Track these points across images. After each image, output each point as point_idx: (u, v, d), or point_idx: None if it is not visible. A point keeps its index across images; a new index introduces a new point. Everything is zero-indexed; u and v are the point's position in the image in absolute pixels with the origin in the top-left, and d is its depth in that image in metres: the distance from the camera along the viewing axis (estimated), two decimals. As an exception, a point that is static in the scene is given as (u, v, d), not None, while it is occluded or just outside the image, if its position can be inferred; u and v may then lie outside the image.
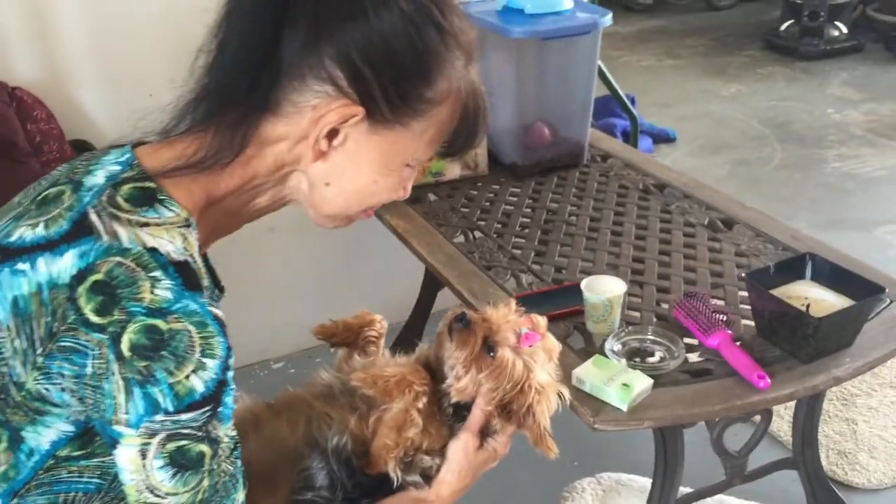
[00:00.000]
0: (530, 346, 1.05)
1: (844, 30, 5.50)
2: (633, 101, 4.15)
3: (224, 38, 0.89)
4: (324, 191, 0.95)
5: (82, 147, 2.01)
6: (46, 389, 0.81)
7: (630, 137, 3.48)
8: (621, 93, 3.27)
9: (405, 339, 2.57)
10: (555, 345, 1.11)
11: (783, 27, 5.63)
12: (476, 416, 1.05)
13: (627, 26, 6.19)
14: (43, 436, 0.84)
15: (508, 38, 2.06)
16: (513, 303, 1.11)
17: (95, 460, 0.87)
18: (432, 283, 2.47)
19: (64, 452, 0.86)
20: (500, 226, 1.98)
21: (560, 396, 1.06)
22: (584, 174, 2.24)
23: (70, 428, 0.84)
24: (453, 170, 2.21)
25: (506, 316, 1.07)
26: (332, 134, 0.90)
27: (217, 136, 0.89)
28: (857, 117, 4.49)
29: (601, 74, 3.18)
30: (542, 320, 1.11)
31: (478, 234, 1.95)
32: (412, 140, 0.94)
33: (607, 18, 2.10)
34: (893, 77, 5.06)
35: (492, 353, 1.04)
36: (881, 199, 3.59)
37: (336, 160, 0.92)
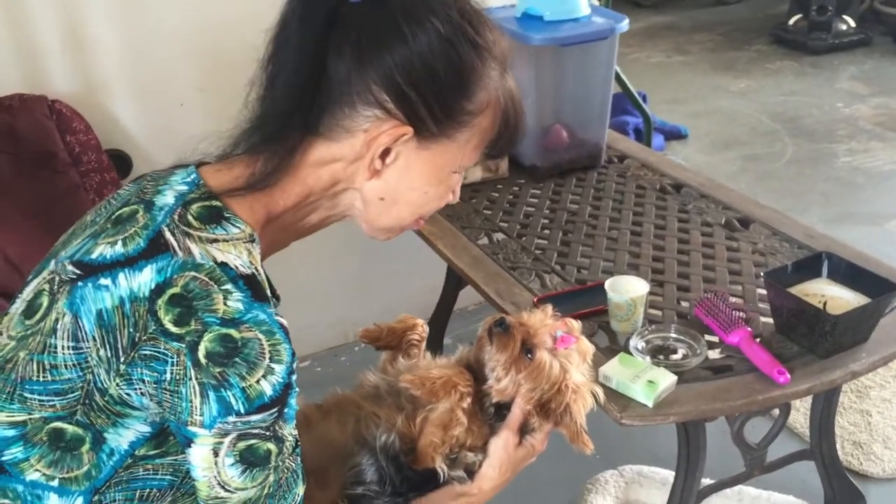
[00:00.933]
0: (566, 349, 1.12)
1: (852, 23, 5.53)
2: (644, 99, 4.20)
3: (273, 70, 0.96)
4: (378, 206, 1.01)
5: (118, 157, 2.08)
6: (128, 394, 0.88)
7: (643, 135, 3.53)
8: (633, 91, 3.32)
9: (429, 337, 2.63)
10: (589, 347, 1.17)
11: (791, 21, 5.66)
12: (515, 415, 1.12)
13: (636, 23, 6.21)
14: (123, 437, 0.91)
15: (528, 45, 2.11)
16: (549, 307, 1.17)
17: (169, 458, 0.94)
18: (454, 283, 2.53)
19: (141, 452, 0.92)
20: (521, 227, 2.04)
21: (594, 396, 1.13)
22: (601, 175, 2.30)
23: (147, 429, 0.91)
24: (475, 173, 2.27)
25: (542, 320, 1.13)
26: (385, 153, 0.97)
27: (274, 159, 0.95)
28: (866, 111, 4.52)
29: (614, 73, 3.23)
30: (576, 324, 1.17)
31: (501, 235, 2.01)
32: (458, 149, 1.00)
33: (624, 24, 2.16)
34: (901, 70, 5.10)
35: (530, 356, 1.10)
36: (891, 192, 3.64)
37: (389, 176, 0.99)
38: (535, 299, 1.68)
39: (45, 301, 0.90)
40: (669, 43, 5.93)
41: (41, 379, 0.88)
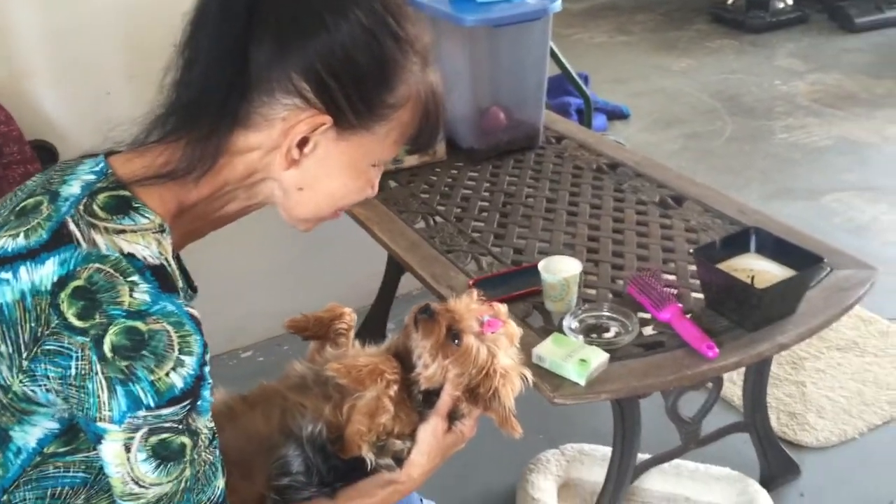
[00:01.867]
0: (493, 333, 1.12)
1: (790, 1, 5.61)
2: (586, 80, 4.22)
3: (191, 56, 0.93)
4: (297, 195, 1.00)
5: (42, 148, 2.02)
6: (33, 391, 0.85)
7: (584, 116, 3.55)
8: (573, 72, 3.33)
9: (371, 323, 2.63)
10: (516, 330, 1.17)
11: (730, 0, 5.73)
12: (444, 401, 1.11)
13: (578, 3, 6.24)
14: (30, 434, 0.88)
15: (461, 26, 2.10)
16: (475, 292, 1.17)
17: (80, 455, 0.92)
18: (396, 268, 2.52)
19: (50, 449, 0.90)
20: (459, 210, 2.04)
21: (523, 378, 1.13)
22: (539, 156, 2.31)
23: (55, 425, 0.88)
24: (412, 156, 2.26)
25: (468, 305, 1.13)
26: (303, 142, 0.95)
27: (188, 149, 0.93)
28: (803, 88, 4.60)
29: (553, 54, 3.23)
30: (503, 307, 1.17)
31: (438, 219, 2.01)
32: (377, 142, 0.99)
33: (556, 4, 2.16)
34: (837, 47, 5.19)
35: (456, 341, 1.10)
36: (826, 168, 3.71)
37: (307, 166, 0.97)
38: (470, 282, 1.68)
39: None
40: (611, 23, 5.96)
41: None
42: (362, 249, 2.47)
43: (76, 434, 0.90)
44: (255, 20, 0.90)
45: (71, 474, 0.92)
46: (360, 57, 0.92)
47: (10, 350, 0.84)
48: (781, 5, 5.58)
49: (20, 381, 0.85)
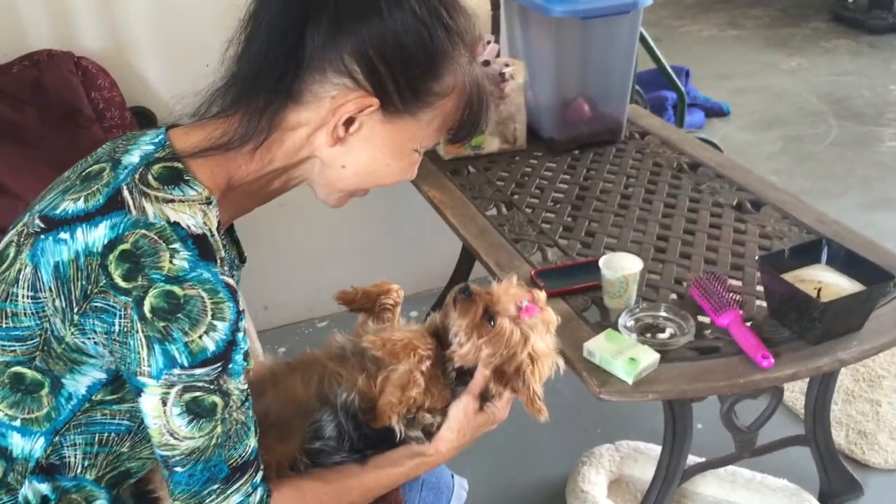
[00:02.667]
0: (530, 318, 1.14)
1: (915, 2, 5.34)
2: (686, 75, 4.14)
3: (252, 32, 0.98)
4: (339, 172, 1.04)
5: (142, 114, 2.14)
6: (83, 343, 0.93)
7: (677, 111, 3.49)
8: (667, 66, 3.27)
9: (443, 305, 2.67)
10: (553, 317, 1.19)
11: (851, -2, 5.50)
12: (477, 381, 1.15)
13: (691, -5, 6.11)
14: (80, 382, 0.96)
15: (549, 17, 2.11)
16: (515, 277, 1.20)
17: (126, 405, 0.99)
18: (469, 253, 2.55)
19: (98, 396, 0.97)
20: (533, 200, 2.05)
21: (554, 365, 1.15)
22: (620, 151, 2.29)
23: (103, 375, 0.96)
24: (492, 143, 2.28)
25: (507, 289, 1.16)
26: (349, 122, 1.00)
27: (244, 120, 0.98)
28: (919, 94, 4.39)
29: (648, 47, 3.19)
30: (541, 294, 1.19)
31: (511, 207, 2.03)
32: (420, 128, 1.03)
33: (647, -1, 2.14)
34: (963, 53, 4.92)
35: (492, 322, 1.13)
36: (934, 180, 3.54)
37: (352, 145, 1.02)
38: (533, 272, 1.70)
39: (12, 252, 0.95)
40: (723, 16, 5.80)
41: (4, 325, 0.94)
42: (440, 232, 2.51)
43: (122, 384, 0.97)
44: (314, 2, 0.95)
45: (116, 422, 1.00)
46: (410, 44, 0.96)
47: (64, 305, 0.91)
48: (906, 6, 5.32)
49: (72, 333, 0.92)
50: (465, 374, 1.16)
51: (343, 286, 1.33)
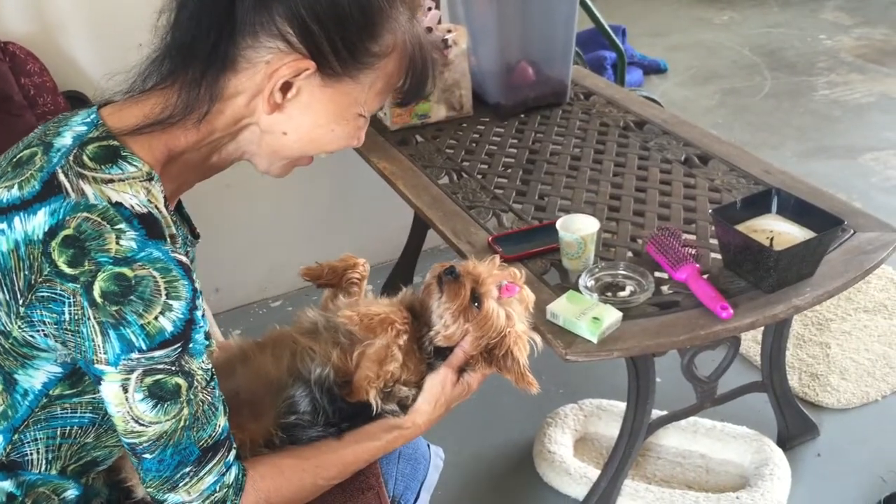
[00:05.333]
0: (510, 297, 1.15)
1: (839, -48, 5.44)
2: (623, 33, 4.16)
3: None
4: (282, 139, 1.01)
5: (75, 98, 2.06)
6: (32, 336, 0.90)
7: (617, 71, 3.50)
8: (606, 25, 3.28)
9: (398, 276, 2.66)
10: (530, 296, 1.20)
11: (778, -49, 5.57)
12: (458, 356, 1.15)
13: (621, -46, 6.12)
14: (34, 378, 0.93)
15: (489, -20, 2.09)
16: (497, 258, 1.20)
17: (87, 397, 0.96)
18: (422, 223, 2.54)
19: (56, 392, 0.94)
20: (483, 166, 2.05)
21: (532, 342, 1.17)
22: (566, 112, 2.30)
23: (58, 369, 0.93)
24: (438, 111, 2.26)
25: (490, 270, 1.16)
26: (286, 87, 0.97)
27: (182, 92, 0.95)
28: (848, 43, 4.49)
29: (586, 7, 3.19)
30: (520, 273, 1.20)
31: (462, 174, 2.02)
32: (362, 91, 1.00)
33: (586, -42, 2.13)
34: (886, 0, 5.03)
35: (477, 304, 1.13)
36: (867, 126, 3.63)
37: (292, 112, 0.99)
38: (490, 239, 1.70)
39: None
40: (654, -26, 5.83)
41: None
42: (391, 203, 2.49)
43: (81, 377, 0.94)
44: None
45: (78, 415, 0.97)
46: (345, 3, 0.93)
47: (7, 297, 0.88)
48: (830, -44, 5.41)
49: (19, 327, 0.89)
50: (443, 350, 1.16)
51: (294, 264, 1.31)
